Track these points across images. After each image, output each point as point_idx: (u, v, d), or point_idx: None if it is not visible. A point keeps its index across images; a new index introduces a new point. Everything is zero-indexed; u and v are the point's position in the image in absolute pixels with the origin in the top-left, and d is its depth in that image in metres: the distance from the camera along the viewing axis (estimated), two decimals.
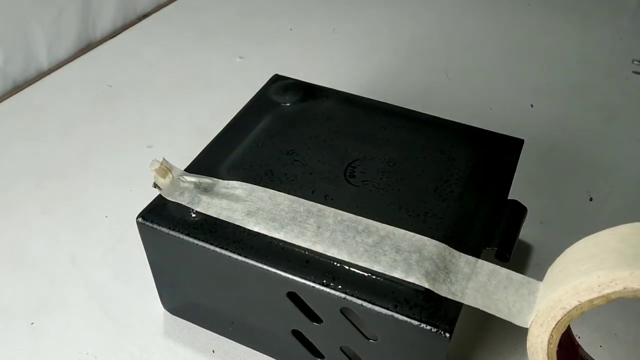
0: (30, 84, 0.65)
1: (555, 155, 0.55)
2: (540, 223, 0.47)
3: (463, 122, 0.43)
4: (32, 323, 0.41)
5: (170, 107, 0.61)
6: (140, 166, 0.54)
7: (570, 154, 0.55)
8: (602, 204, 0.50)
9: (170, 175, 0.36)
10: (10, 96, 0.63)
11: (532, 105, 0.60)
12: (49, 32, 0.67)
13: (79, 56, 0.69)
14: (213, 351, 0.39)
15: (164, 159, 0.36)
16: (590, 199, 0.50)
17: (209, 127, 0.59)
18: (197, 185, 0.36)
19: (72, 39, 0.70)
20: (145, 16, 0.77)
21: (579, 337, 0.41)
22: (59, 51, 0.68)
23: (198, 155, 0.40)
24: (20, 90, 0.64)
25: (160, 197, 0.36)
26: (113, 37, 0.73)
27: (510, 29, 0.74)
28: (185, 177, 0.36)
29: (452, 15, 0.77)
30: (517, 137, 0.41)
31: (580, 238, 0.48)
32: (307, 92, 0.44)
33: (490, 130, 0.42)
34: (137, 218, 0.36)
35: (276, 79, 0.46)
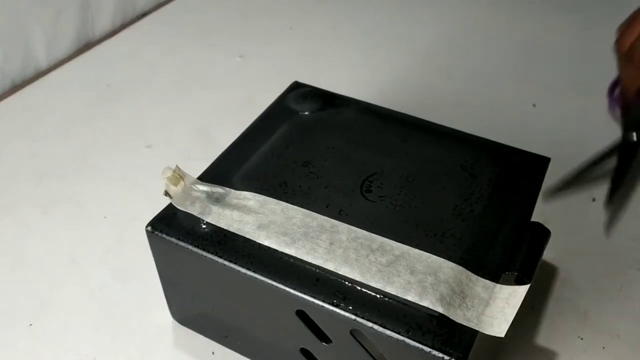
0: (29, 84, 0.63)
1: (557, 155, 0.55)
2: (543, 222, 0.47)
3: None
4: (30, 324, 0.40)
5: (170, 106, 0.60)
6: (140, 166, 0.54)
7: (572, 153, 0.55)
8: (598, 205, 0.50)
9: (182, 184, 0.35)
10: (9, 96, 0.62)
11: (534, 105, 0.59)
12: (48, 32, 0.65)
13: (77, 55, 0.68)
14: (213, 353, 0.38)
15: (177, 166, 0.35)
16: (593, 200, 0.50)
17: (209, 126, 0.59)
18: (209, 195, 0.35)
19: (71, 38, 0.68)
20: (144, 15, 0.75)
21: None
22: (57, 50, 0.67)
23: (213, 163, 0.38)
24: (19, 89, 0.63)
25: (170, 206, 0.35)
26: (112, 36, 0.71)
27: (512, 28, 0.74)
28: (197, 185, 0.35)
29: (453, 15, 0.75)
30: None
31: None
32: (327, 100, 0.42)
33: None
34: (146, 227, 0.34)
35: (295, 86, 0.44)
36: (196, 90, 0.63)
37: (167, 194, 0.34)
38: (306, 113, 0.41)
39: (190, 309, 0.38)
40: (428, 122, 0.41)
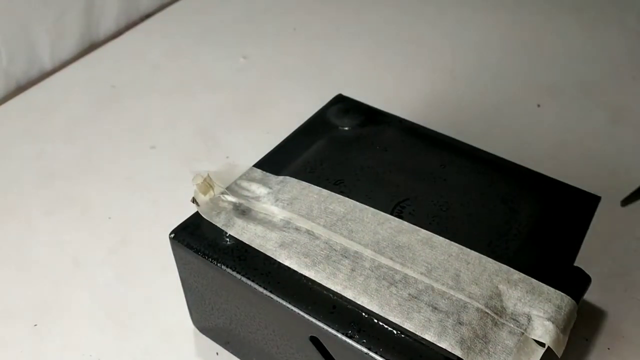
0: (33, 85, 0.61)
1: (561, 155, 0.54)
2: None
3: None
4: (35, 325, 0.39)
5: (174, 107, 0.58)
6: (144, 167, 0.53)
7: (576, 154, 0.54)
8: (607, 204, 0.49)
9: (211, 193, 0.32)
10: (14, 97, 0.60)
11: (538, 105, 0.58)
12: (52, 33, 0.63)
13: (82, 56, 0.65)
14: (217, 353, 0.37)
15: (208, 174, 0.32)
16: None
17: (212, 127, 0.59)
18: (236, 207, 0.32)
19: (75, 39, 0.66)
20: (148, 16, 0.72)
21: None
22: (62, 51, 0.65)
23: (245, 173, 0.36)
24: (24, 91, 0.60)
25: (196, 214, 0.33)
26: (116, 37, 0.69)
27: (516, 28, 0.73)
28: (225, 196, 0.33)
29: (457, 15, 0.72)
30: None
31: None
32: (369, 116, 0.39)
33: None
34: (169, 234, 0.32)
35: (340, 99, 0.41)
36: (200, 91, 0.60)
37: (194, 201, 0.32)
38: (346, 128, 0.39)
39: (209, 318, 0.36)
40: (472, 147, 0.38)
